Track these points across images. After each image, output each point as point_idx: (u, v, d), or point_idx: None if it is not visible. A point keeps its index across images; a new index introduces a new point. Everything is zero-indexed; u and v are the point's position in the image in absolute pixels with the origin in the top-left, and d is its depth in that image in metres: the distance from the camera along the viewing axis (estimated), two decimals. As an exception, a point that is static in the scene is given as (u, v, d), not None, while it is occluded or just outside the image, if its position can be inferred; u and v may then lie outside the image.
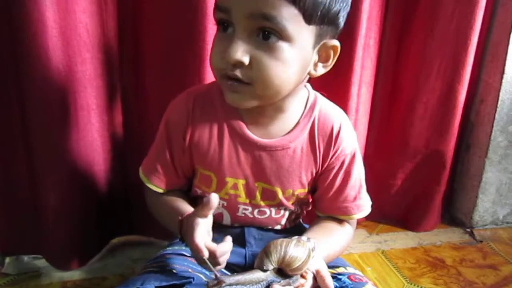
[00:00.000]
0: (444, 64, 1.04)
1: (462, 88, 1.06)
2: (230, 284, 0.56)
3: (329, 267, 0.69)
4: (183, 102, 0.72)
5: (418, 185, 1.16)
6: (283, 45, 0.58)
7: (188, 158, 0.73)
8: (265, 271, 0.58)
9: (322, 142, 0.70)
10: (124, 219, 1.03)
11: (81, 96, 0.86)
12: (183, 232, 0.64)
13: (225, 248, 0.59)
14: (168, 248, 0.77)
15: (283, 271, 0.59)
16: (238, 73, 0.59)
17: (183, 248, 0.75)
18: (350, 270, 0.71)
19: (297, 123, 0.70)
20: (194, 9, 0.82)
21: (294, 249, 0.58)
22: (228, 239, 0.60)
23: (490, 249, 1.13)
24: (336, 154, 0.71)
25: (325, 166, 0.71)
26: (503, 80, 1.08)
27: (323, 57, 0.64)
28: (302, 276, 0.61)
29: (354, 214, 0.74)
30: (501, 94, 1.09)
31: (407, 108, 1.10)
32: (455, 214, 1.25)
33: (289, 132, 0.70)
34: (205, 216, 0.59)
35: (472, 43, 1.02)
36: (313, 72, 0.64)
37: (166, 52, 0.88)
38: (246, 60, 0.58)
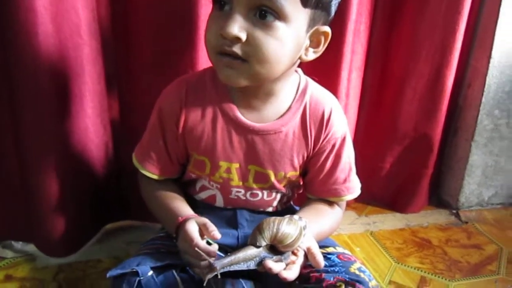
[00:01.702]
0: (433, 49, 1.06)
1: (450, 72, 1.08)
2: (224, 267, 0.58)
3: (319, 247, 0.71)
4: (176, 90, 0.73)
5: (406, 168, 1.18)
6: (279, 24, 0.60)
7: (182, 145, 0.74)
8: (258, 247, 0.60)
9: (314, 126, 0.72)
10: (117, 205, 1.04)
11: (73, 83, 0.86)
12: (179, 232, 0.66)
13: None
14: (161, 231, 0.79)
15: (275, 248, 0.61)
16: (235, 48, 0.60)
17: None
18: (339, 249, 0.73)
19: (289, 107, 0.71)
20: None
21: (286, 227, 0.60)
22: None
23: (475, 230, 1.17)
24: (327, 138, 0.73)
25: (316, 149, 0.73)
26: (490, 65, 1.10)
27: (314, 43, 0.66)
28: (294, 253, 0.63)
29: (344, 196, 0.76)
30: (487, 78, 1.12)
31: (396, 92, 1.12)
32: (442, 196, 1.28)
33: (281, 116, 0.71)
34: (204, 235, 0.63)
35: (460, 28, 1.03)
36: (304, 56, 0.66)
37: (158, 37, 0.88)
38: (243, 36, 0.59)
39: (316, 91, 0.74)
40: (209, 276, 0.58)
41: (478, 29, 1.12)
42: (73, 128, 0.89)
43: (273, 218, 0.62)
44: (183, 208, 0.72)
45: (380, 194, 1.23)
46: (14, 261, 0.94)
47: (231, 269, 0.59)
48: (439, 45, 1.05)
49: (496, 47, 1.08)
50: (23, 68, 0.79)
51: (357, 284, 0.64)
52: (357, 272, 0.66)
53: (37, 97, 0.82)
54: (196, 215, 0.70)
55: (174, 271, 0.66)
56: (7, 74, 0.81)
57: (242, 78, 0.63)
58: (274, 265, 0.59)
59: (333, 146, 0.73)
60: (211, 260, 0.58)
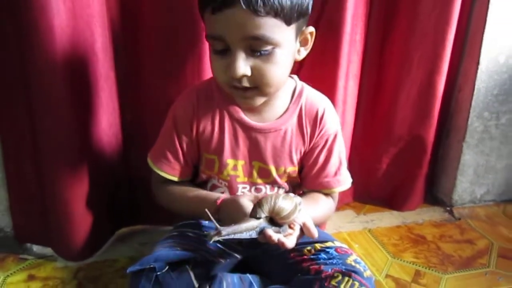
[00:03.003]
0: (424, 58, 1.11)
1: (441, 79, 1.13)
2: (228, 233, 0.63)
3: (318, 242, 0.78)
4: (188, 98, 0.81)
5: (401, 168, 1.24)
6: (274, 50, 0.68)
7: (195, 147, 0.82)
8: (258, 219, 0.66)
9: (309, 124, 0.81)
10: (129, 210, 1.08)
11: (88, 89, 0.89)
12: (222, 210, 0.73)
13: None
14: (174, 231, 0.85)
15: (274, 221, 0.67)
16: (244, 83, 0.69)
17: (189, 230, 0.84)
18: (337, 244, 0.79)
19: (287, 108, 0.80)
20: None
21: (282, 201, 0.66)
22: None
23: (468, 226, 1.22)
24: (321, 134, 0.81)
25: (311, 144, 0.82)
26: (478, 71, 1.16)
27: (303, 43, 0.75)
28: (290, 227, 0.69)
29: (335, 188, 0.84)
30: (476, 83, 1.17)
31: (391, 98, 1.17)
32: (436, 194, 1.34)
33: (280, 117, 0.80)
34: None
35: (449, 38, 1.09)
36: (297, 56, 0.75)
37: (166, 38, 0.92)
38: (248, 72, 0.68)
39: (311, 93, 0.83)
40: (215, 238, 0.63)
41: (467, 39, 1.17)
42: (88, 136, 0.93)
43: (270, 194, 0.70)
44: (213, 192, 0.81)
45: (377, 194, 1.28)
46: (35, 262, 0.99)
47: (235, 237, 0.64)
48: (430, 53, 1.10)
49: (483, 53, 1.14)
50: (36, 62, 0.81)
51: (353, 274, 0.69)
52: (353, 264, 0.72)
53: (50, 92, 0.84)
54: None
55: (187, 266, 0.72)
56: (22, 65, 0.84)
57: (257, 100, 0.74)
58: (273, 234, 0.65)
59: (326, 141, 0.82)
60: (218, 225, 0.64)
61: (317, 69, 0.99)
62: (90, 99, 0.91)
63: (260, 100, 0.74)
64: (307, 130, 0.81)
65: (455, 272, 1.03)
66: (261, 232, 0.66)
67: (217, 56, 0.70)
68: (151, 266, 0.70)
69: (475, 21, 1.14)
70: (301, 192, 0.89)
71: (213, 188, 0.85)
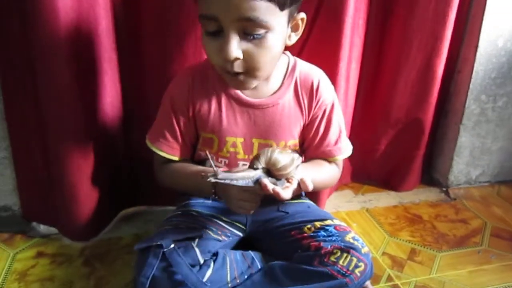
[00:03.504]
0: (424, 40, 1.12)
1: (440, 61, 1.14)
2: (224, 178, 0.65)
3: (318, 220, 0.81)
4: (184, 78, 0.82)
5: (399, 150, 1.26)
6: (266, 35, 0.69)
7: (193, 126, 0.83)
8: (255, 169, 0.68)
9: (306, 95, 0.82)
10: (131, 190, 1.09)
11: (95, 58, 0.89)
12: (218, 185, 0.74)
13: None
14: (178, 210, 0.88)
15: (271, 173, 0.69)
16: (236, 68, 0.70)
17: (192, 209, 0.86)
18: (336, 222, 0.82)
19: (282, 83, 0.82)
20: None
21: (278, 154, 0.69)
22: None
23: (463, 206, 1.26)
24: (318, 104, 0.83)
25: (310, 116, 0.83)
26: (477, 53, 1.17)
27: (294, 28, 0.76)
28: (288, 181, 0.71)
29: (337, 156, 0.86)
30: (475, 65, 1.18)
31: (390, 81, 1.18)
32: (433, 175, 1.36)
33: (276, 92, 0.81)
34: None
35: (449, 19, 1.09)
36: (288, 42, 0.76)
37: (167, 20, 0.92)
38: (240, 55, 0.69)
39: (304, 66, 0.84)
40: (212, 179, 0.64)
41: (468, 21, 1.17)
42: (92, 118, 0.93)
43: (267, 147, 0.71)
44: (209, 168, 0.79)
45: (376, 174, 1.31)
46: (42, 240, 1.02)
47: (231, 183, 0.66)
48: (430, 35, 1.11)
49: (483, 36, 1.15)
50: (40, 41, 0.81)
51: (352, 250, 0.72)
52: (351, 241, 0.75)
53: (59, 85, 0.85)
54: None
55: (192, 243, 0.75)
56: (26, 45, 0.84)
57: (249, 84, 0.74)
58: (269, 183, 0.67)
59: (324, 111, 0.84)
60: (216, 169, 0.65)
61: (319, 52, 0.99)
62: (94, 81, 0.92)
63: (252, 84, 0.75)
64: (304, 102, 0.82)
65: (449, 250, 1.06)
66: (257, 181, 0.67)
67: (209, 38, 0.70)
68: (158, 243, 0.72)
69: (476, 5, 1.15)
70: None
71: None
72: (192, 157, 0.88)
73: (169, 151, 0.84)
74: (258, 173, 0.67)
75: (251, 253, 0.81)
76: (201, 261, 0.73)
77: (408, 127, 1.23)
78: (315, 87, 0.82)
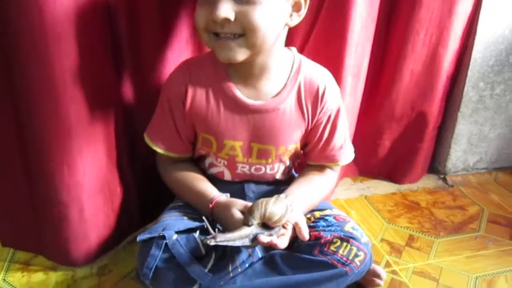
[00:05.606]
0: (430, 31, 1.10)
1: (446, 52, 1.12)
2: (222, 241, 0.65)
3: (317, 210, 0.81)
4: (180, 72, 0.79)
5: (404, 143, 1.24)
6: (262, 1, 0.66)
7: (189, 123, 0.81)
8: (250, 226, 0.67)
9: (310, 102, 0.79)
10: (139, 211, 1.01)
11: (93, 52, 0.80)
12: (215, 213, 0.76)
13: None
14: (178, 201, 0.86)
15: (266, 225, 0.69)
16: (227, 29, 0.67)
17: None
18: (335, 211, 0.82)
19: (285, 85, 0.78)
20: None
21: (272, 206, 0.68)
22: None
23: (460, 193, 1.27)
24: (323, 111, 0.80)
25: (313, 122, 0.81)
26: (475, 41, 1.17)
27: (296, 8, 0.72)
28: (284, 227, 0.71)
29: (340, 161, 0.85)
30: (473, 53, 1.18)
31: (395, 75, 1.15)
32: (431, 162, 1.37)
33: (277, 94, 0.77)
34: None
35: (456, 10, 1.07)
36: (289, 22, 0.73)
37: (161, 6, 0.87)
38: (232, 16, 0.66)
39: (310, 68, 0.80)
40: (211, 242, 0.65)
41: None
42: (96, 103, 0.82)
43: (261, 200, 0.69)
44: (209, 189, 0.80)
45: (379, 168, 1.30)
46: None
47: (228, 244, 0.66)
48: (435, 27, 1.09)
49: (480, 23, 1.15)
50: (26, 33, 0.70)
51: (351, 240, 0.73)
52: (351, 230, 0.75)
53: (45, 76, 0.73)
54: (221, 194, 0.78)
55: (194, 234, 0.75)
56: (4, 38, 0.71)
57: (240, 53, 0.69)
58: (266, 238, 0.67)
59: (329, 117, 0.81)
60: (214, 233, 0.66)
61: (325, 43, 0.95)
62: (99, 58, 0.82)
63: (241, 54, 0.69)
64: (308, 108, 0.79)
65: (447, 236, 1.08)
66: (254, 238, 0.67)
67: (202, 5, 0.68)
68: (161, 234, 0.72)
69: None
70: (299, 161, 0.90)
71: (211, 166, 0.85)
72: (192, 156, 0.87)
73: (167, 148, 0.83)
74: (253, 230, 0.67)
75: (255, 246, 0.82)
76: (203, 252, 0.74)
77: (413, 121, 1.22)
78: (320, 93, 0.78)
